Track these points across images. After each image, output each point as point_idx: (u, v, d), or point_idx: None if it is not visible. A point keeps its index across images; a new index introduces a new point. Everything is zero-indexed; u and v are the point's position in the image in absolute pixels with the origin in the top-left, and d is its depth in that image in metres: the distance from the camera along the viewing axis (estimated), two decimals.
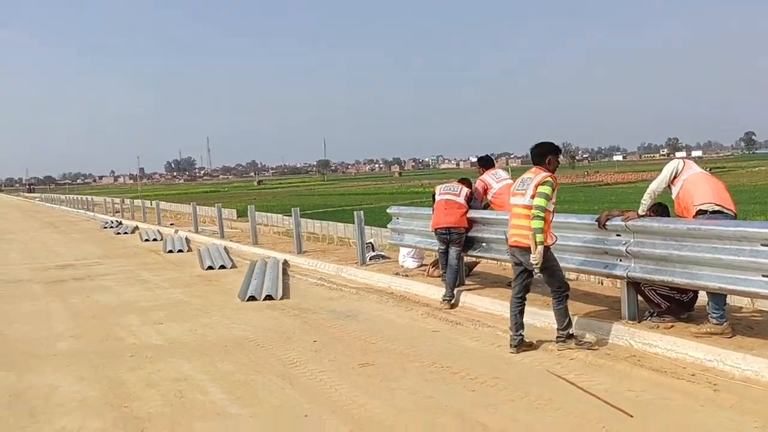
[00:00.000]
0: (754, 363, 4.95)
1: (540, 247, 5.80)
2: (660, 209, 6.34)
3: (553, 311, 6.12)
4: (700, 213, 5.82)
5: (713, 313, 5.69)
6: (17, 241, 21.53)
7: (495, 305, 7.55)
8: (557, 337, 6.05)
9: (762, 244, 5.18)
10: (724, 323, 5.64)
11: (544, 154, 6.21)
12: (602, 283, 8.28)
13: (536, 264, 5.85)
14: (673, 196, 6.16)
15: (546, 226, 5.92)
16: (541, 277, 6.13)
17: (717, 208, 5.79)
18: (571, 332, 6.04)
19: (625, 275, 6.26)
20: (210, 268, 12.48)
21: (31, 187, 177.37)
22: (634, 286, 6.34)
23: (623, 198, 36.13)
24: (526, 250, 5.98)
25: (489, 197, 8.82)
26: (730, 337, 5.54)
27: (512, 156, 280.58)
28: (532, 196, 5.94)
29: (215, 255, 13.70)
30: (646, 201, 6.21)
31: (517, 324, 6.09)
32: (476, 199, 8.69)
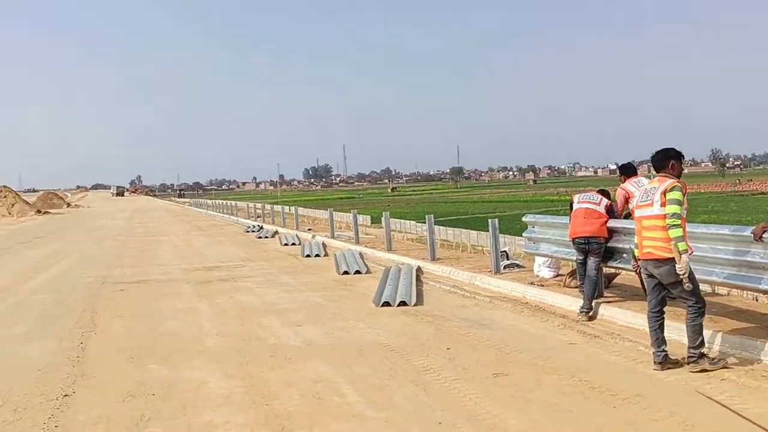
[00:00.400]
0: None
1: (685, 257, 5.49)
2: None
3: (686, 327, 5.76)
4: None
5: None
6: (169, 243, 23.06)
7: (637, 319, 7.23)
8: (689, 356, 5.68)
9: None
10: None
11: (667, 159, 5.90)
12: (757, 300, 7.71)
13: (684, 274, 5.53)
14: None
15: (685, 233, 5.60)
16: (678, 290, 5.75)
17: None
18: (703, 351, 5.66)
19: None
20: (345, 272, 12.79)
21: (182, 192, 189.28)
22: None
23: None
24: (661, 262, 5.68)
25: (630, 206, 8.44)
26: None
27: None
28: (662, 204, 5.64)
29: (351, 260, 14.02)
30: None
31: (659, 339, 5.79)
32: (616, 209, 8.36)
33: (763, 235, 6.01)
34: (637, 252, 6.14)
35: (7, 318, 9.54)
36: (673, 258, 5.55)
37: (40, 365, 6.76)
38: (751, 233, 6.13)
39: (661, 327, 5.84)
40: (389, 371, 6.04)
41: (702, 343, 5.67)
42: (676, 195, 5.60)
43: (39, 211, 64.85)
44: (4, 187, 71.17)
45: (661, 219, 5.64)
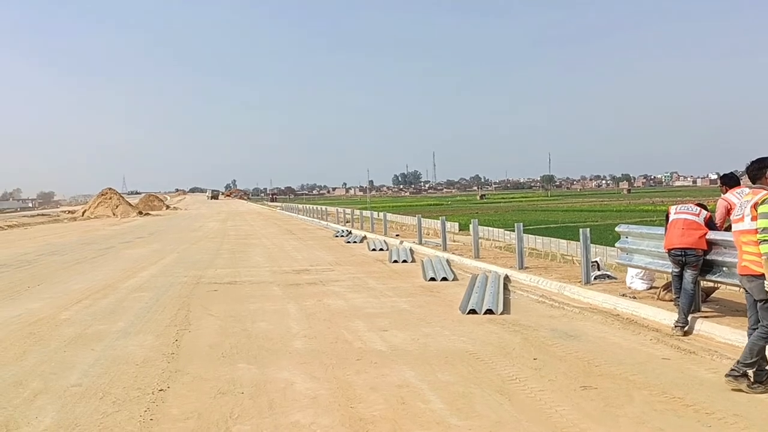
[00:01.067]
0: None
1: None
2: None
3: (747, 341, 5.48)
4: None
5: None
6: (261, 245, 23.70)
7: (736, 335, 6.90)
8: (731, 369, 5.42)
9: None
10: None
11: (762, 169, 5.65)
12: None
13: None
14: None
15: None
16: (765, 306, 5.45)
17: None
18: (748, 372, 5.35)
19: None
20: (432, 279, 12.79)
21: (274, 196, 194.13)
22: None
23: None
24: (755, 277, 5.41)
25: (732, 218, 8.05)
26: None
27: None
28: (753, 219, 5.36)
29: (437, 267, 14.01)
30: None
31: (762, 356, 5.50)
32: (716, 221, 8.01)
33: None
34: None
35: (108, 314, 10.05)
36: (764, 274, 5.28)
37: (138, 360, 7.09)
38: None
39: None
40: (474, 379, 6.00)
41: (753, 364, 5.38)
42: (766, 208, 5.31)
43: (140, 213, 68.14)
44: (109, 189, 75.15)
45: (753, 234, 5.39)
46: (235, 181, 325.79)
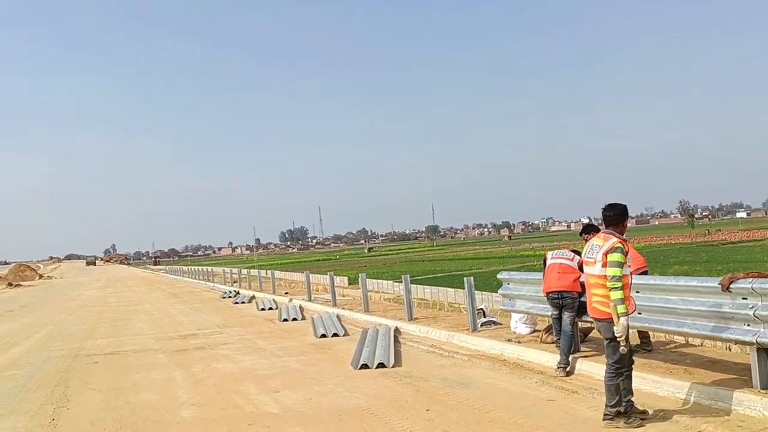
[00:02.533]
0: None
1: (623, 320, 5.56)
2: None
3: (604, 385, 5.87)
4: None
5: None
6: (144, 311, 22.74)
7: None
8: (604, 414, 5.76)
9: None
10: None
11: (622, 216, 6.01)
12: (730, 349, 7.81)
13: (620, 336, 5.58)
14: None
15: (626, 292, 5.69)
16: (610, 346, 5.81)
17: None
18: (620, 410, 5.71)
19: (754, 341, 5.90)
20: (323, 336, 12.71)
21: (157, 259, 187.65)
22: (766, 352, 5.95)
23: (751, 257, 34.10)
24: (603, 319, 5.78)
25: (584, 258, 8.55)
26: None
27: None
28: (604, 265, 5.74)
29: (328, 323, 13.95)
30: None
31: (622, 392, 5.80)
32: None
33: (731, 286, 6.15)
34: None
35: None
36: (611, 317, 5.63)
37: None
38: (719, 284, 6.27)
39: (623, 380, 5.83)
40: None
41: (618, 403, 5.71)
42: (616, 257, 5.66)
43: (10, 284, 63.74)
44: None
45: (602, 279, 5.75)
46: (114, 245, 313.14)
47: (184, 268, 64.60)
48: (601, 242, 5.90)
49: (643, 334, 8.27)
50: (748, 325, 6.03)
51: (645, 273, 8.36)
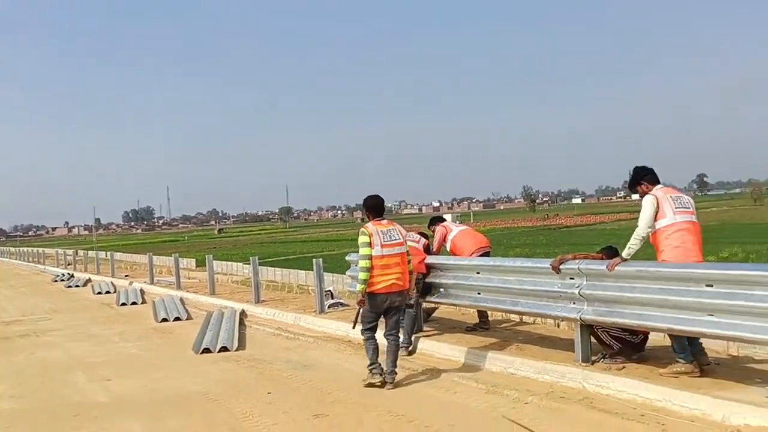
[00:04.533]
0: (702, 402, 4.99)
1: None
2: (611, 252, 6.40)
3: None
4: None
5: (679, 353, 5.72)
6: None
7: (453, 351, 7.52)
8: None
9: (707, 285, 5.29)
10: (692, 362, 5.68)
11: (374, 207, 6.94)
12: (558, 326, 8.30)
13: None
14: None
15: (374, 271, 6.50)
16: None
17: None
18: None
19: (578, 318, 6.30)
20: (164, 320, 12.21)
21: None
22: (588, 328, 6.37)
23: (583, 240, 36.69)
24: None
25: (448, 245, 8.81)
26: (699, 376, 5.58)
27: (474, 200, 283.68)
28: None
29: (170, 306, 13.41)
30: (634, 245, 5.89)
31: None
32: (433, 246, 8.76)
33: (561, 267, 6.51)
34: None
35: None
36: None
37: None
38: (551, 265, 6.62)
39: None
40: (206, 422, 5.78)
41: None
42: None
43: None
44: None
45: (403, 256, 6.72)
46: None
47: (12, 249, 59.92)
48: (392, 227, 6.77)
49: (482, 314, 8.60)
50: (574, 303, 6.42)
51: (487, 254, 8.67)
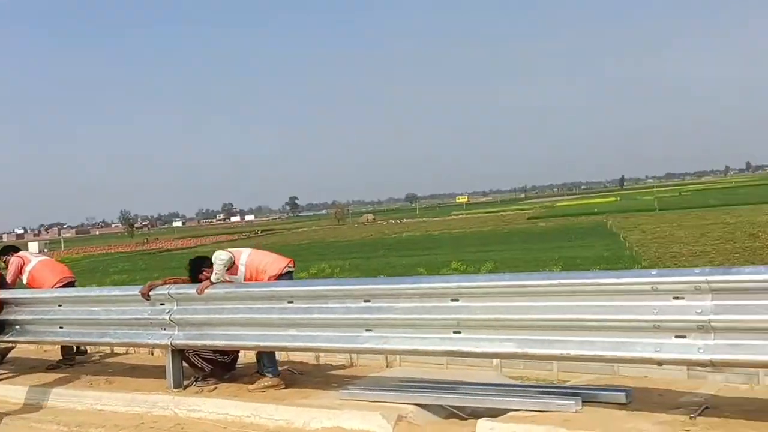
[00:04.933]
0: (286, 412, 5.35)
1: None
2: (196, 262, 6.49)
3: None
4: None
5: (268, 367, 6.03)
6: None
7: (30, 393, 6.81)
8: None
9: (288, 301, 5.72)
10: (278, 376, 6.03)
11: None
12: (153, 354, 8.13)
13: None
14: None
15: None
16: None
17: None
18: None
19: (169, 343, 6.26)
20: None
21: None
22: (179, 353, 6.37)
23: (182, 263, 36.48)
24: None
25: (24, 277, 7.97)
26: (284, 388, 5.92)
27: (65, 226, 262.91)
28: None
29: None
30: (220, 271, 6.01)
31: None
32: (8, 278, 7.86)
33: (150, 293, 6.40)
34: None
35: None
36: None
37: None
38: (140, 293, 6.46)
39: None
40: None
41: None
42: None
43: None
44: None
45: None
46: None
47: None
48: None
49: (66, 349, 7.99)
50: (165, 329, 6.35)
51: (71, 285, 8.08)
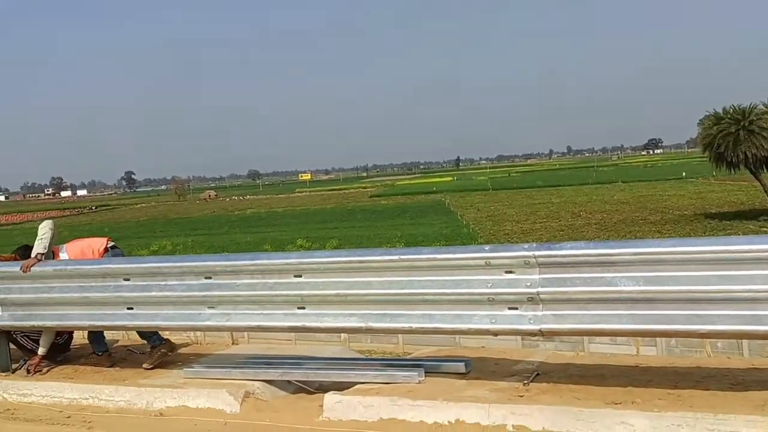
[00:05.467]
0: (127, 392, 5.18)
1: None
2: (27, 252, 6.05)
3: None
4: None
5: (97, 347, 5.91)
6: None
7: None
8: None
9: (124, 279, 5.48)
10: (105, 354, 5.90)
11: None
12: None
13: None
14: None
15: None
16: None
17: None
18: None
19: None
20: None
21: None
22: (5, 335, 5.95)
23: (10, 240, 33.88)
24: None
25: None
26: (111, 366, 5.78)
27: None
28: None
29: None
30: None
31: None
32: None
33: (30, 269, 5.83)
34: None
35: None
36: None
37: None
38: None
39: None
40: None
41: None
42: None
43: None
44: None
45: None
46: None
47: None
48: None
49: None
50: None
51: None
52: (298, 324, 4.90)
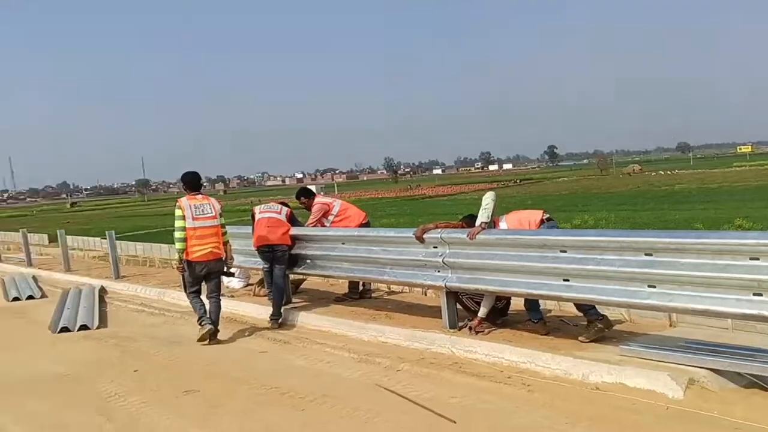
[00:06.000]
0: (563, 362, 5.32)
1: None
2: (471, 220, 6.62)
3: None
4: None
5: (533, 314, 6.24)
6: None
7: (323, 321, 7.59)
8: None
9: (561, 251, 5.63)
10: (541, 322, 6.20)
11: (198, 181, 7.76)
12: (426, 294, 8.55)
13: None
14: None
15: (189, 241, 7.34)
16: None
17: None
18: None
19: (443, 285, 6.54)
20: (16, 299, 11.45)
21: None
22: (453, 295, 6.63)
23: (445, 210, 37.68)
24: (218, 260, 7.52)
25: (332, 218, 8.72)
26: (546, 334, 6.05)
27: (337, 172, 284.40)
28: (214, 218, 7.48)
29: (22, 285, 12.60)
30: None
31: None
32: (311, 219, 8.63)
33: (424, 236, 6.69)
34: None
35: None
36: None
37: None
38: (414, 235, 6.78)
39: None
40: (69, 404, 5.53)
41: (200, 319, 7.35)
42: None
43: None
44: None
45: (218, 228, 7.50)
46: None
47: None
48: (206, 201, 7.51)
49: (352, 284, 8.71)
50: (438, 271, 6.65)
51: (367, 226, 8.70)
52: (754, 312, 4.44)
